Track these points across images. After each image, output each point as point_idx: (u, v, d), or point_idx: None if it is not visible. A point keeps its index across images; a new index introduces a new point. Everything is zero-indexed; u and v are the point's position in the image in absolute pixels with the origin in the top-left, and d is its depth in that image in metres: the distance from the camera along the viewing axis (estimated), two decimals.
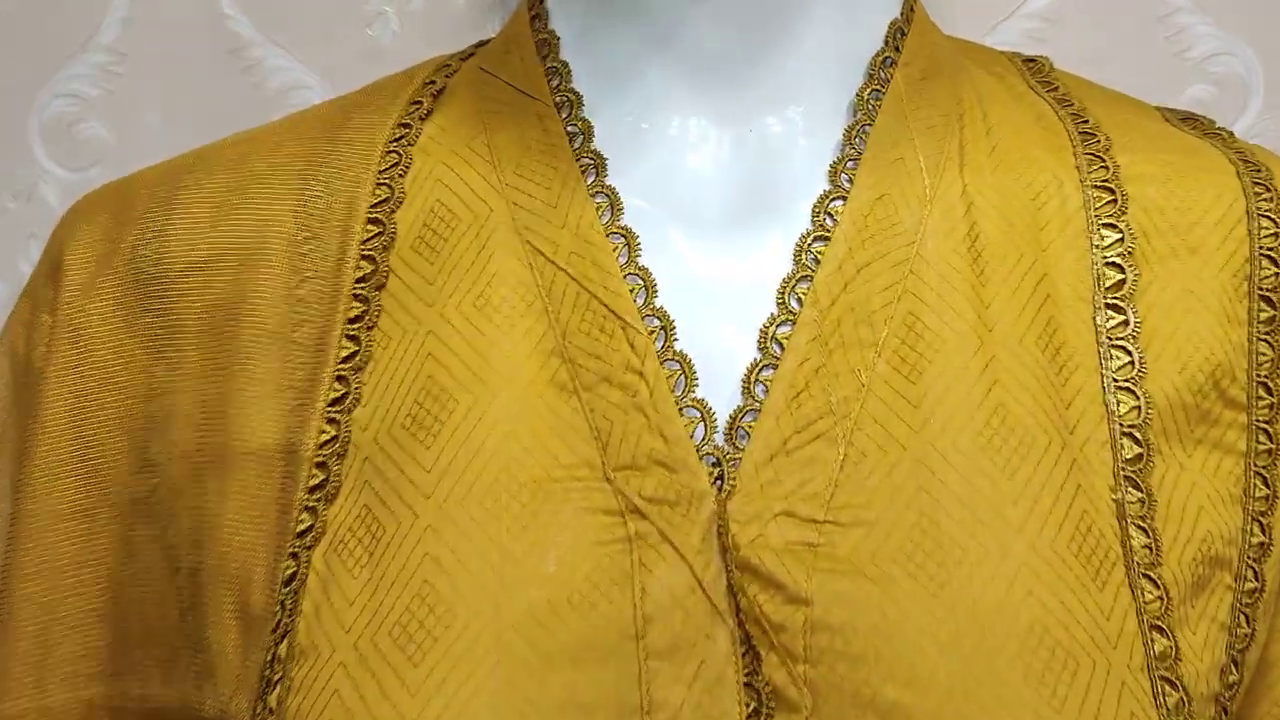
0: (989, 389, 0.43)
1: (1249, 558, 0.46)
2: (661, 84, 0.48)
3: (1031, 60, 0.56)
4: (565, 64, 0.50)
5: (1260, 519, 0.46)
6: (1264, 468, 0.47)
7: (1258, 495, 0.46)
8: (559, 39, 0.51)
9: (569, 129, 0.48)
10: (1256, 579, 0.46)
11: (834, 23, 0.48)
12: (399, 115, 0.51)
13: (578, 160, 0.48)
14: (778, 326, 0.45)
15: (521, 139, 0.49)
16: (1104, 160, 0.49)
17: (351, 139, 0.51)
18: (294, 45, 0.71)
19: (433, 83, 0.53)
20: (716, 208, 0.47)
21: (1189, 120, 0.55)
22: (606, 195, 0.47)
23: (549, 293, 0.46)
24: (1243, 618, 0.46)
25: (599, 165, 0.48)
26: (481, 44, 0.56)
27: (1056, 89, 0.54)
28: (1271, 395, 0.47)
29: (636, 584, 0.40)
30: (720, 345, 0.45)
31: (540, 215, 0.47)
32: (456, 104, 0.52)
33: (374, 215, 0.48)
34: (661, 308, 0.45)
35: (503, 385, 0.44)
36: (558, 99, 0.49)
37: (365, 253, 0.48)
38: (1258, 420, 0.47)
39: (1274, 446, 0.47)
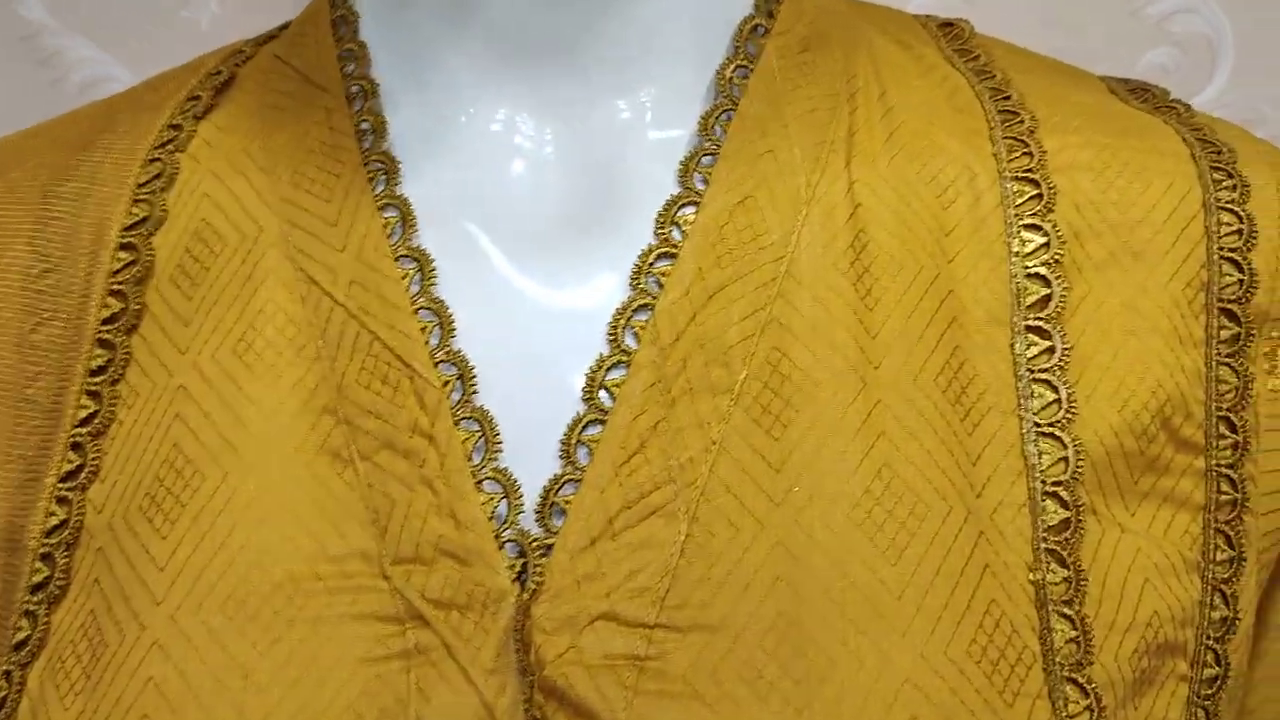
0: (871, 445, 0.34)
1: (1208, 637, 0.37)
2: (469, 68, 0.39)
3: (949, 25, 0.47)
4: (363, 45, 0.40)
5: (1223, 588, 0.37)
6: (1227, 523, 0.38)
7: (1219, 558, 0.37)
8: (358, 15, 0.41)
9: (360, 125, 0.39)
10: (1218, 663, 0.37)
11: None
12: (170, 114, 0.42)
13: (365, 164, 0.38)
14: (607, 371, 0.35)
15: (303, 140, 0.39)
16: (1027, 145, 0.40)
17: (110, 145, 0.41)
18: (97, 31, 0.60)
19: (218, 73, 0.43)
20: (540, 220, 0.38)
21: (1139, 92, 0.46)
22: (397, 207, 0.38)
23: (324, 333, 0.36)
24: (1201, 713, 0.37)
25: (390, 169, 0.38)
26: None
27: (977, 58, 0.44)
28: (1236, 433, 0.38)
29: (411, 717, 0.32)
30: (536, 397, 0.35)
31: (317, 235, 0.38)
32: (240, 99, 0.42)
33: (127, 240, 0.39)
34: (459, 351, 0.36)
35: (261, 455, 0.35)
36: (351, 89, 0.40)
37: (114, 287, 0.38)
38: (1219, 464, 0.38)
39: (1239, 496, 0.38)
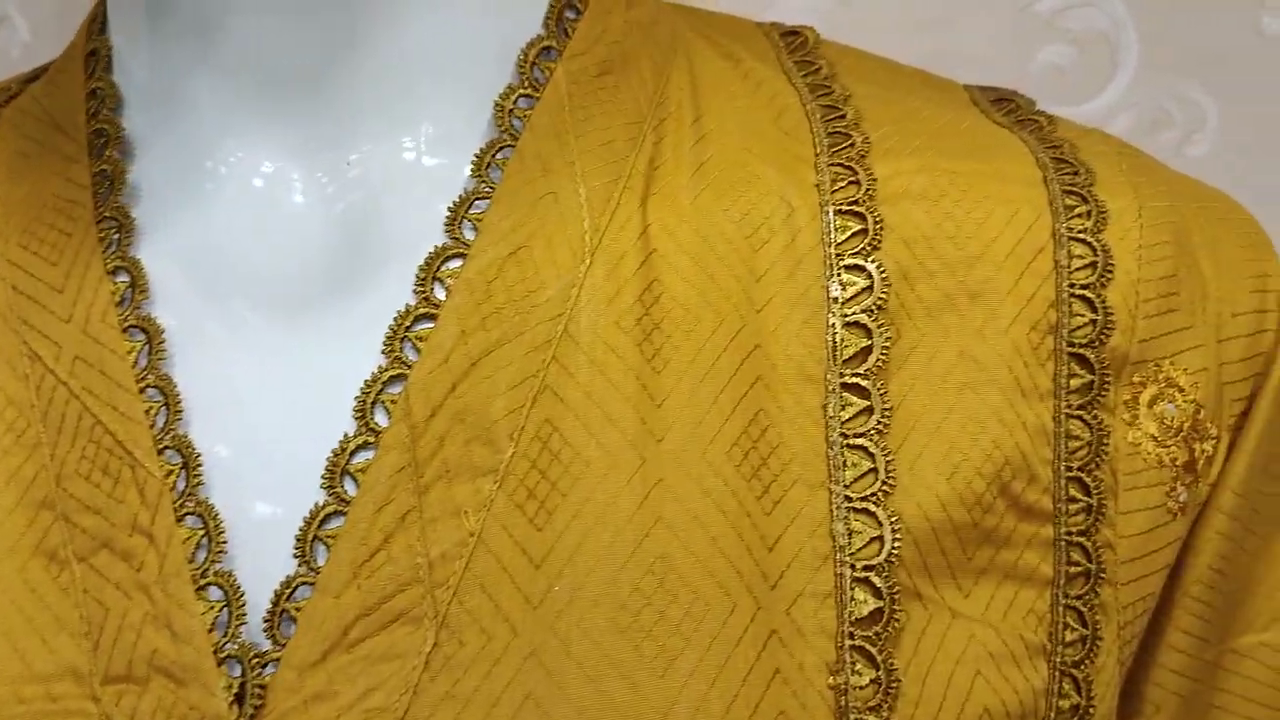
0: (645, 534, 0.30)
1: None
2: (219, 106, 0.34)
3: (793, 33, 0.42)
4: (112, 85, 0.36)
5: (1073, 672, 0.33)
6: (1079, 598, 0.33)
7: (1070, 639, 0.33)
8: (113, 49, 0.37)
9: (99, 174, 0.35)
10: None
11: (465, 4, 0.35)
12: None
13: (98, 222, 0.34)
14: (352, 453, 0.31)
15: (39, 194, 0.35)
16: (855, 172, 0.35)
17: None
18: None
19: None
20: (292, 281, 0.33)
21: (1003, 103, 0.41)
22: (129, 271, 0.33)
23: (45, 416, 0.32)
24: None
25: (124, 227, 0.34)
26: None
27: (817, 70, 0.40)
28: (1089, 495, 0.33)
29: None
30: (275, 486, 0.31)
31: (43, 303, 0.33)
32: None
33: None
34: (185, 436, 0.32)
35: None
36: (95, 133, 0.36)
37: None
38: (1069, 532, 0.33)
39: (1093, 567, 0.33)
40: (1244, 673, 0.37)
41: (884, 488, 0.31)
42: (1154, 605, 0.35)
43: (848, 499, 0.31)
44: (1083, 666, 0.33)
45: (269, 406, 0.32)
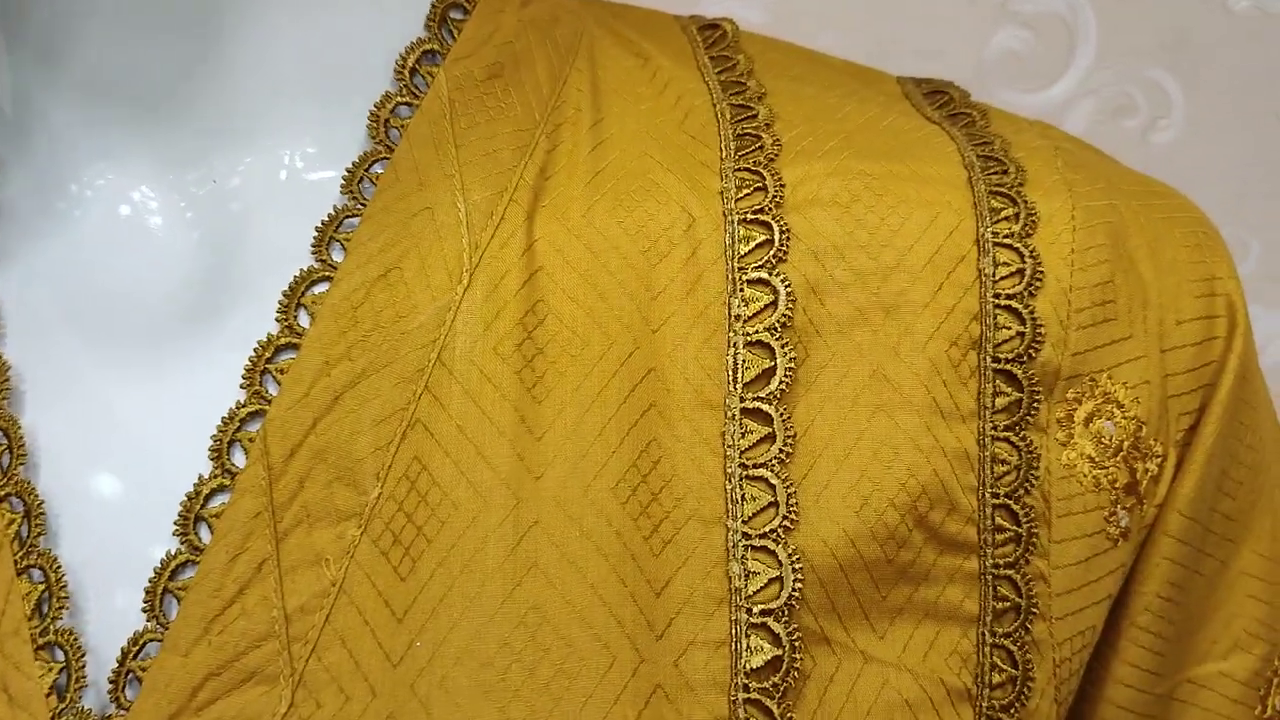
0: (516, 583, 0.27)
1: None
2: (75, 124, 0.32)
3: (711, 27, 0.40)
4: None
5: (1002, 716, 0.30)
6: (1008, 636, 0.30)
7: (997, 681, 0.30)
8: None
9: None
10: None
11: (338, 8, 0.33)
12: None
13: None
14: (207, 498, 0.29)
15: None
16: (762, 178, 0.32)
17: None
18: None
19: None
20: (154, 309, 0.31)
21: (936, 95, 0.38)
22: None
23: None
24: None
25: None
26: None
27: (733, 66, 0.37)
28: (1019, 524, 0.31)
29: None
30: (126, 534, 0.29)
31: None
32: None
33: None
34: (27, 481, 0.29)
35: None
36: None
37: None
38: (996, 564, 0.31)
39: (1024, 601, 0.31)
40: (1202, 704, 0.35)
41: (785, 523, 0.29)
42: (1095, 639, 0.33)
43: (746, 535, 0.29)
44: (1013, 710, 0.30)
45: (124, 447, 0.30)
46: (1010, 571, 0.31)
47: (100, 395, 0.30)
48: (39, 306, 0.32)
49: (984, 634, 0.30)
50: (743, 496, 0.29)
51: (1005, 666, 0.30)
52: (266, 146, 0.32)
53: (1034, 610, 0.31)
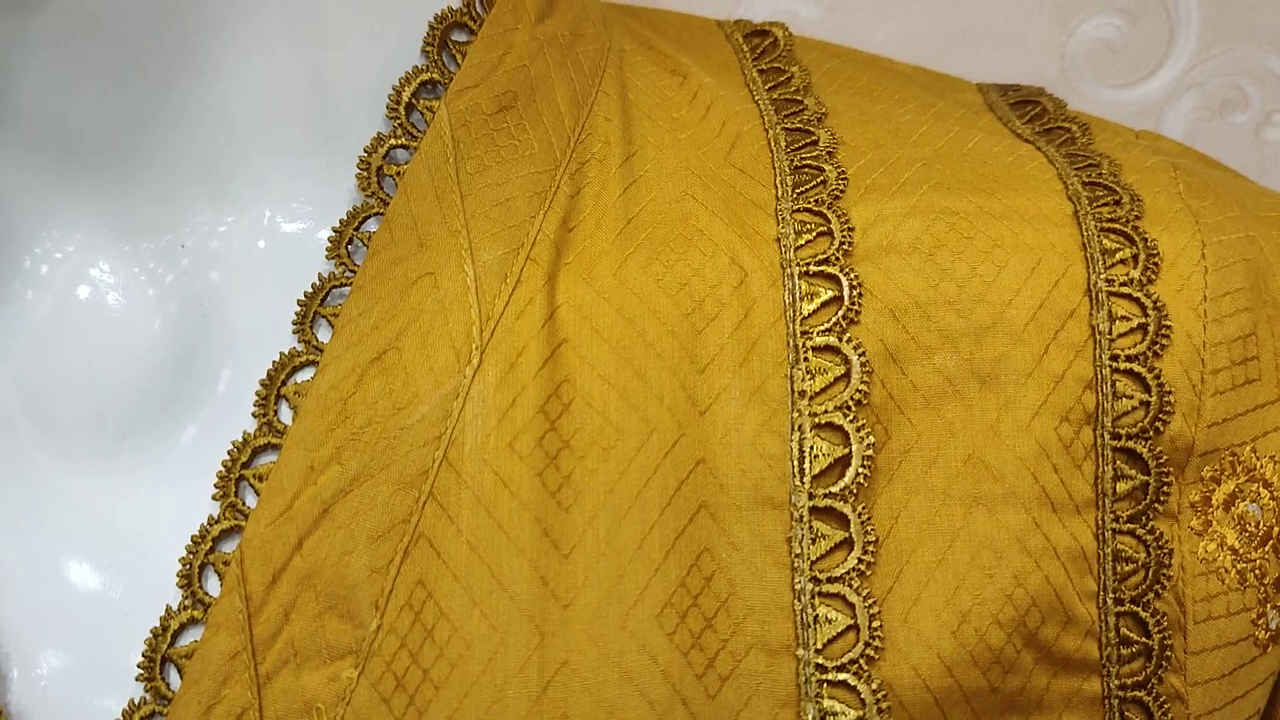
0: None
1: None
2: (15, 188, 0.27)
3: (760, 34, 0.34)
4: None
5: None
6: None
7: None
8: None
9: None
10: None
11: (315, 38, 0.28)
12: None
13: None
14: (175, 635, 0.24)
15: None
16: (826, 219, 0.27)
17: None
18: None
19: None
20: (116, 407, 0.27)
21: (1026, 106, 0.33)
22: None
23: None
24: None
25: None
26: None
27: (788, 80, 0.32)
28: (1149, 636, 0.25)
29: None
30: (87, 678, 0.25)
31: None
32: None
33: None
34: None
35: None
36: None
37: None
38: (1122, 685, 0.25)
39: None
40: None
41: (869, 651, 0.24)
42: None
43: (820, 668, 0.24)
44: None
45: (80, 571, 0.25)
46: (1139, 693, 0.25)
47: (54, 510, 0.26)
48: None
49: None
50: (815, 619, 0.24)
51: None
52: (242, 205, 0.27)
53: None
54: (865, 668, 0.24)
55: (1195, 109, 0.44)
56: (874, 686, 0.24)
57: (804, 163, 0.29)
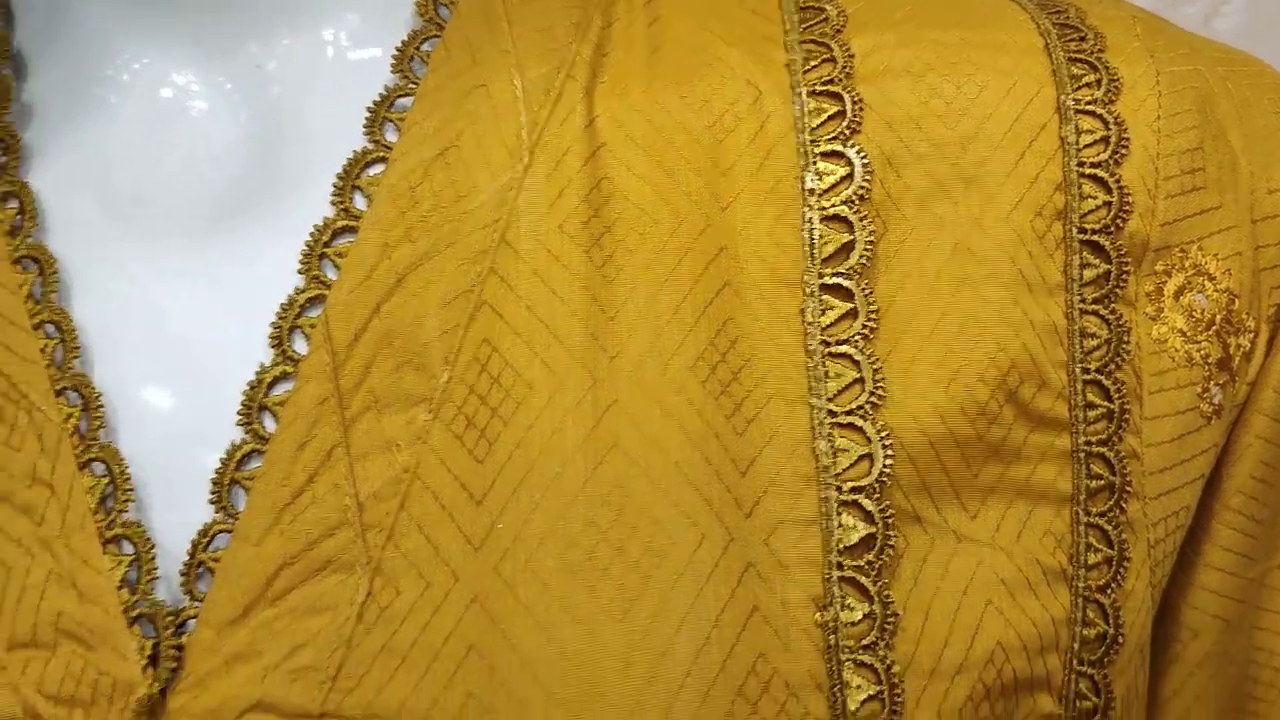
0: (599, 462, 0.26)
1: (1080, 662, 0.29)
2: (101, 14, 0.31)
3: None
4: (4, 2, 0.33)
5: (1099, 598, 0.29)
6: (1103, 515, 0.29)
7: (1093, 561, 0.29)
8: None
9: None
10: (1096, 694, 0.29)
11: None
12: None
13: None
14: (269, 386, 0.28)
15: None
16: (830, 48, 0.31)
17: None
18: None
19: None
20: (201, 197, 0.30)
21: None
22: (18, 196, 0.30)
23: None
24: None
25: (10, 148, 0.31)
26: None
27: None
28: (1110, 400, 0.30)
29: None
30: (187, 425, 0.28)
31: None
32: None
33: None
34: (84, 374, 0.28)
35: None
36: None
37: None
38: (1089, 441, 0.29)
39: (1118, 480, 0.30)
40: None
41: (872, 400, 0.28)
42: (1189, 520, 0.32)
43: (831, 413, 0.28)
44: (1109, 591, 0.29)
45: (179, 338, 0.29)
46: (1103, 449, 0.29)
47: (149, 289, 0.29)
48: (80, 202, 0.30)
49: (1078, 513, 0.29)
50: (826, 374, 0.28)
51: (1100, 546, 0.29)
52: (309, 27, 0.31)
53: (1128, 489, 0.29)
54: (870, 413, 0.27)
55: None
56: (878, 428, 0.27)
57: (807, 4, 0.33)
